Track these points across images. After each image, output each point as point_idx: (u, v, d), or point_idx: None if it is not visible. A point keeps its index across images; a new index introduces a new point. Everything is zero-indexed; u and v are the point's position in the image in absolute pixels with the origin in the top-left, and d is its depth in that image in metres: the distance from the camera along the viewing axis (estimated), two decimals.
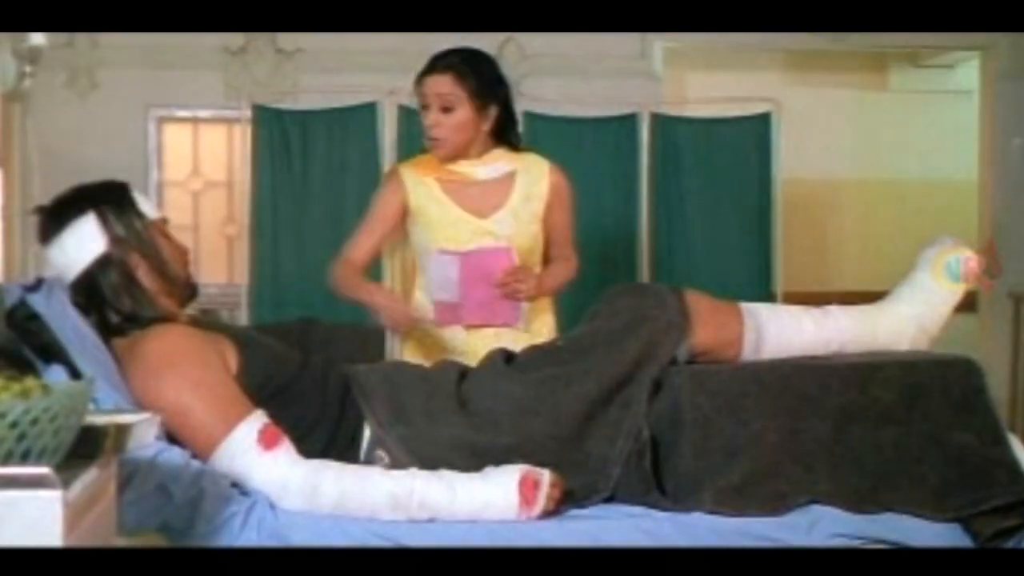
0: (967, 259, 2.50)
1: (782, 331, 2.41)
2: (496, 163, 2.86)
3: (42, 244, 2.30)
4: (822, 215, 7.22)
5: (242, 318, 4.99)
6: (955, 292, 2.50)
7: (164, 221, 2.37)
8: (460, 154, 2.83)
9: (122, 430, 1.57)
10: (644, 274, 5.20)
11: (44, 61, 5.09)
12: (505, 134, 2.88)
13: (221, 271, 5.85)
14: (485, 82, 2.80)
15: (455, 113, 2.77)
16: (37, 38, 4.55)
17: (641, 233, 5.26)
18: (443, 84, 2.76)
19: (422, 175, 2.87)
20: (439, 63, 2.80)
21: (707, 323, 2.36)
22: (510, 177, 2.86)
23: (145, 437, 1.66)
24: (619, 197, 5.27)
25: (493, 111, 2.82)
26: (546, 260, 2.94)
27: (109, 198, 2.29)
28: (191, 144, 6.09)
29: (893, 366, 2.31)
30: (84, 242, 2.24)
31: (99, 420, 1.57)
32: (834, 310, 2.50)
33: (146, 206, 2.34)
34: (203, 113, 5.92)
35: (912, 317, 2.48)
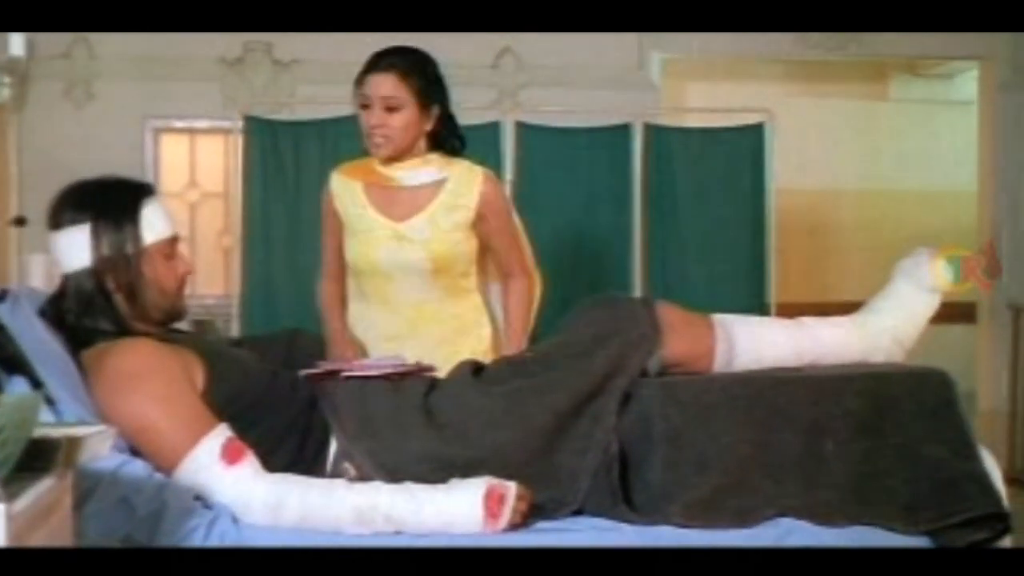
0: (966, 258, 2.48)
1: (754, 343, 2.39)
2: (427, 168, 2.83)
3: (48, 229, 2.28)
4: (822, 225, 7.20)
5: (235, 329, 5.00)
6: (931, 304, 2.48)
7: (172, 241, 2.30)
8: (400, 156, 2.81)
9: (75, 443, 1.56)
10: (637, 284, 5.19)
11: (41, 72, 5.11)
12: (442, 139, 2.85)
13: (218, 282, 5.85)
14: (428, 82, 2.78)
15: (400, 113, 2.74)
16: (16, 49, 4.57)
17: (634, 243, 5.25)
18: (387, 84, 2.73)
19: (350, 179, 2.88)
20: (381, 62, 2.76)
21: (679, 335, 2.34)
22: (439, 184, 2.83)
23: (99, 450, 1.65)
24: (613, 207, 5.26)
25: (435, 111, 2.80)
26: (497, 271, 2.96)
27: (111, 211, 2.24)
28: (188, 155, 6.10)
29: (865, 378, 2.29)
30: (73, 250, 2.24)
31: (53, 433, 1.56)
32: (808, 322, 2.49)
33: (157, 223, 2.27)
34: (200, 124, 5.94)
35: (887, 329, 2.46)
